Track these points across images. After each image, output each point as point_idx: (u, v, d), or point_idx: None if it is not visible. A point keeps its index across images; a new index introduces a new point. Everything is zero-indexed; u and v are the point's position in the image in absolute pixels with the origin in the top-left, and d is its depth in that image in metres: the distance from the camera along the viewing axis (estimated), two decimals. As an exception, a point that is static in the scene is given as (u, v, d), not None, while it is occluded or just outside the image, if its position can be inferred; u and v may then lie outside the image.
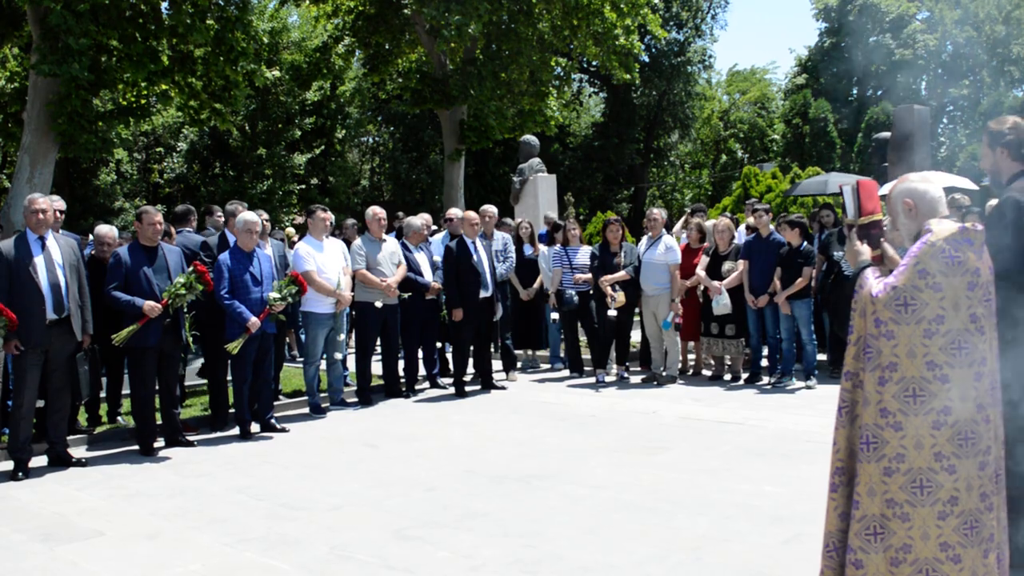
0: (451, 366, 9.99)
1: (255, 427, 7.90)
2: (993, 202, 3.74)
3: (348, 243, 9.73)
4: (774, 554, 4.50)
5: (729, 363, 10.06)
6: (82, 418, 7.97)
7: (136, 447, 7.30)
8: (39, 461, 6.82)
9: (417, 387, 9.80)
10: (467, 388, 9.57)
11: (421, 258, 9.60)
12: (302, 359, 9.60)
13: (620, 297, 9.75)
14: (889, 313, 3.07)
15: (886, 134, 14.86)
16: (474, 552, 4.66)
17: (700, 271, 9.82)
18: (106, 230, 8.19)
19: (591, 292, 10.06)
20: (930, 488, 3.03)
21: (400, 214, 13.34)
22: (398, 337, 9.52)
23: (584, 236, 11.53)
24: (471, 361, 9.89)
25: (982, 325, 3.07)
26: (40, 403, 6.87)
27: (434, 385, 9.97)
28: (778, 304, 9.30)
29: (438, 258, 9.80)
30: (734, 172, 35.76)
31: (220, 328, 7.72)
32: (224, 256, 7.74)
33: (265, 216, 8.78)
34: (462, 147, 20.05)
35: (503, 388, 9.83)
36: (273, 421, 7.98)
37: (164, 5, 14.28)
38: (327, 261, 8.73)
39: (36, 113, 13.32)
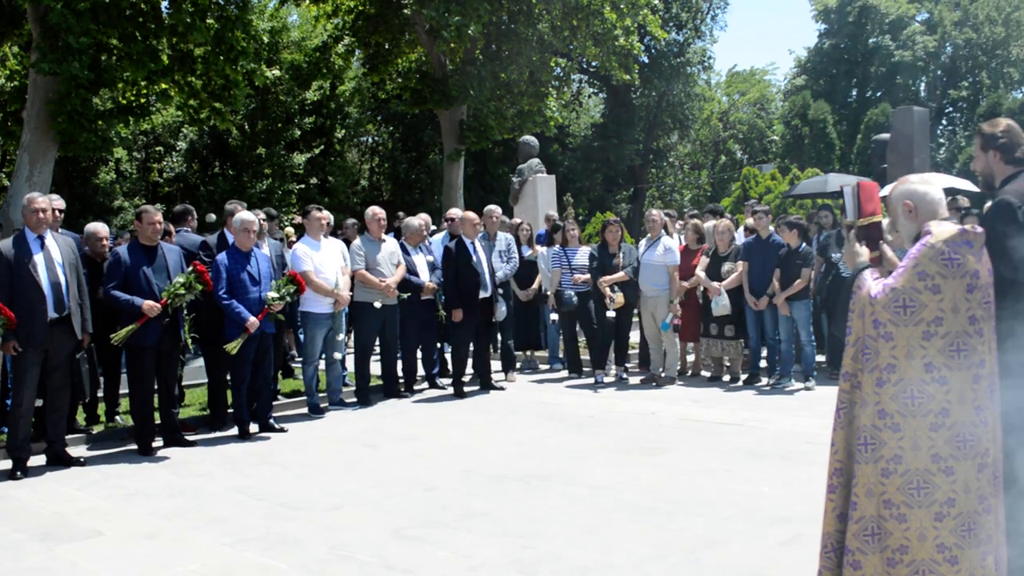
0: (450, 366, 9.99)
1: (254, 427, 7.91)
2: (988, 204, 3.74)
3: (348, 243, 9.72)
4: (773, 555, 4.51)
5: (728, 364, 10.07)
6: (80, 417, 7.97)
7: (135, 447, 7.30)
8: (38, 460, 6.82)
9: (416, 387, 9.80)
10: (466, 388, 9.57)
11: (419, 259, 9.59)
12: (300, 359, 9.60)
13: (619, 298, 9.75)
14: (888, 315, 3.08)
15: (885, 136, 14.89)
16: (473, 552, 4.67)
17: (700, 272, 9.83)
18: (98, 227, 8.19)
19: (590, 293, 10.06)
20: (927, 489, 3.03)
21: (400, 214, 13.34)
22: (397, 337, 9.52)
23: (583, 237, 11.53)
24: (470, 361, 9.89)
25: (981, 328, 3.08)
26: (39, 402, 6.87)
27: (433, 385, 9.97)
28: (777, 305, 9.30)
29: (432, 258, 9.78)
30: (733, 173, 35.79)
31: (219, 328, 7.72)
32: (222, 256, 7.74)
33: (263, 216, 8.78)
34: (461, 147, 20.05)
35: (502, 388, 9.83)
36: (272, 421, 7.98)
37: (164, 4, 14.28)
38: (325, 261, 8.73)
39: (36, 112, 13.31)
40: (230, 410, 8.06)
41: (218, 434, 7.95)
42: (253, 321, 7.55)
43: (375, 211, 9.38)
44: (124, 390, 7.92)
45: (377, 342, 9.48)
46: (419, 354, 9.88)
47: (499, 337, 10.58)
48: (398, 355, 9.70)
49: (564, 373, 10.78)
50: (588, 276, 10.07)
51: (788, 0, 66.05)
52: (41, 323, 6.52)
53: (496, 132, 19.71)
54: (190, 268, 7.24)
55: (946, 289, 3.04)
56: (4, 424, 7.58)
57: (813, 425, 7.28)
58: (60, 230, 7.44)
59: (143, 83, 14.62)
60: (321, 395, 9.02)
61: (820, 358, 10.14)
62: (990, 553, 3.06)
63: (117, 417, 8.16)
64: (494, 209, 10.47)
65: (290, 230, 13.13)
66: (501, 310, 9.85)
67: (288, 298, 7.89)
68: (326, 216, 9.12)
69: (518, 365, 10.94)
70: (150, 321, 7.02)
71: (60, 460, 6.84)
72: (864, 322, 3.16)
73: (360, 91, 31.12)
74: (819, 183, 14.73)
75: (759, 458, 6.48)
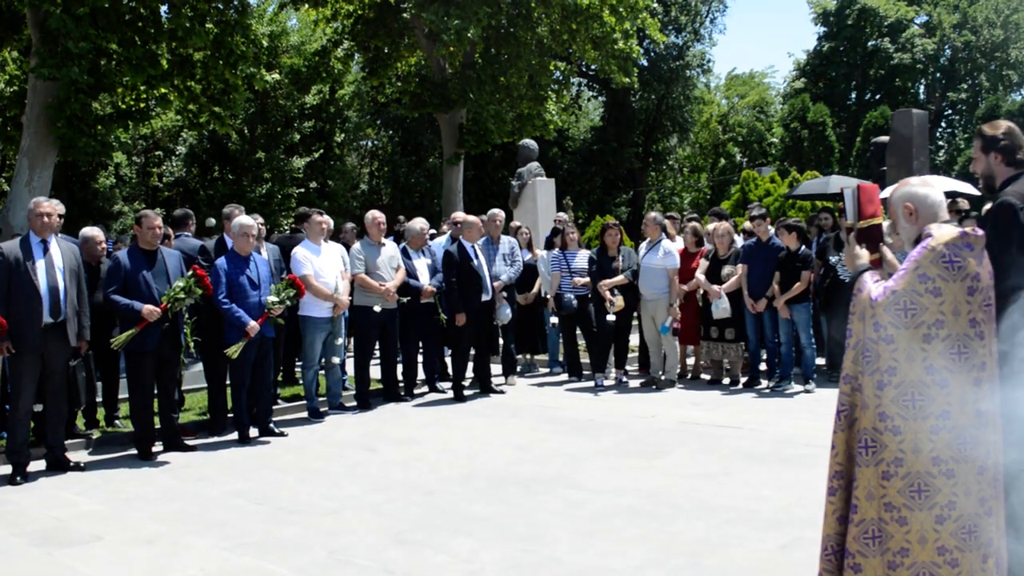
0: (450, 370, 9.99)
1: (254, 431, 7.90)
2: (989, 206, 3.74)
3: (347, 247, 9.71)
4: (773, 558, 4.50)
5: (728, 367, 10.07)
6: (80, 422, 7.96)
7: (134, 451, 7.29)
8: (37, 465, 6.81)
9: (416, 391, 9.80)
10: (466, 392, 9.57)
11: (420, 263, 9.58)
12: (300, 363, 9.59)
13: (619, 301, 9.75)
14: (888, 317, 3.07)
15: (884, 138, 14.87)
16: (473, 556, 4.66)
17: (700, 275, 9.82)
18: (95, 231, 8.20)
19: (589, 296, 10.06)
20: (928, 492, 3.02)
21: (400, 218, 13.34)
22: (397, 341, 9.52)
23: (583, 240, 11.52)
24: (470, 365, 9.88)
25: (982, 330, 3.07)
26: (38, 407, 6.87)
27: (433, 389, 9.97)
28: (777, 308, 9.30)
29: (430, 261, 9.76)
30: (733, 176, 35.80)
31: (219, 332, 7.72)
32: (221, 261, 7.74)
33: (260, 220, 8.79)
34: (461, 151, 20.08)
35: (502, 392, 9.83)
36: (272, 425, 7.97)
37: (163, 9, 14.30)
38: (325, 265, 8.72)
39: (35, 116, 13.33)
40: (230, 414, 8.06)
41: (218, 438, 7.94)
42: (253, 325, 7.55)
43: (375, 215, 9.38)
44: (123, 394, 7.92)
45: (377, 346, 9.48)
46: (420, 358, 9.88)
47: (500, 341, 10.57)
48: (398, 359, 9.70)
49: (564, 376, 10.77)
50: (587, 279, 10.06)
51: (787, 3, 66.25)
52: (36, 328, 6.52)
53: (495, 136, 19.74)
54: (190, 272, 7.24)
55: (947, 292, 3.04)
56: (3, 429, 7.58)
57: (813, 428, 7.28)
58: (60, 235, 7.43)
59: (142, 87, 14.64)
60: (321, 399, 9.01)
61: (820, 361, 10.14)
62: (991, 556, 3.05)
63: (117, 422, 8.15)
64: (497, 213, 10.45)
65: (290, 234, 13.13)
66: (505, 313, 9.83)
67: (288, 302, 7.89)
68: (326, 220, 9.12)
69: (518, 368, 10.93)
70: (150, 326, 7.02)
71: (59, 465, 6.83)
72: (865, 325, 3.16)
73: (359, 95, 31.16)
74: (820, 184, 14.72)
75: (759, 461, 6.48)
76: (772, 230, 9.74)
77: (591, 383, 10.04)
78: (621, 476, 6.18)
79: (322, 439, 7.85)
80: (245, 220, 7.91)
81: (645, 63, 32.44)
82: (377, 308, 9.01)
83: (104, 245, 8.25)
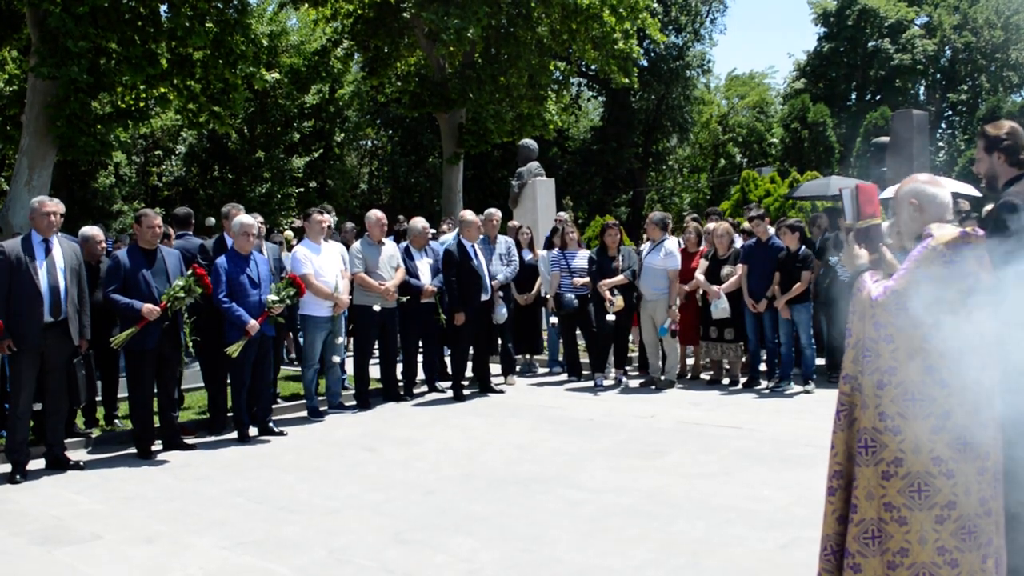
0: (449, 369, 9.98)
1: (253, 430, 7.90)
2: (990, 207, 3.74)
3: (347, 246, 9.71)
4: (772, 558, 4.50)
5: (728, 367, 10.06)
6: (79, 421, 7.96)
7: (134, 450, 7.29)
8: (37, 464, 6.81)
9: (415, 390, 9.79)
10: (465, 392, 9.56)
11: (422, 263, 9.56)
12: (300, 363, 9.59)
13: (619, 301, 9.74)
14: (888, 316, 3.07)
15: (884, 139, 14.88)
16: (472, 556, 4.66)
17: (699, 275, 9.82)
18: (94, 230, 8.19)
19: (589, 296, 10.06)
20: (928, 492, 3.02)
21: (400, 218, 13.35)
22: (396, 340, 9.52)
23: (582, 240, 11.52)
24: (469, 365, 9.88)
25: (982, 330, 3.07)
26: (37, 406, 6.86)
27: (432, 388, 9.96)
28: (777, 308, 9.30)
29: (431, 261, 9.76)
30: (733, 176, 35.80)
31: (219, 331, 7.72)
32: (221, 260, 7.74)
33: (260, 219, 8.78)
34: (461, 151, 20.08)
35: (501, 392, 9.82)
36: (271, 424, 7.97)
37: (163, 8, 14.30)
38: (325, 264, 8.72)
39: (35, 116, 13.33)
40: (229, 413, 8.05)
41: (217, 437, 7.94)
42: (253, 324, 7.55)
43: (377, 215, 9.37)
44: (123, 393, 7.92)
45: (376, 345, 9.47)
46: (419, 357, 9.88)
47: (499, 340, 10.56)
48: (398, 358, 9.69)
49: (563, 376, 10.76)
50: (587, 279, 10.06)
51: (787, 4, 66.25)
52: (36, 326, 6.52)
53: (495, 135, 19.74)
54: (189, 271, 7.24)
55: (947, 292, 3.04)
56: (2, 427, 7.58)
57: (813, 428, 7.27)
58: (60, 234, 7.43)
59: (142, 87, 14.64)
60: (320, 398, 9.01)
61: (820, 361, 10.14)
62: (990, 556, 3.05)
63: (116, 421, 8.15)
64: (494, 212, 10.44)
65: (289, 233, 13.14)
66: (501, 312, 9.84)
67: (288, 301, 7.89)
68: (327, 219, 9.11)
69: (517, 368, 10.93)
70: (149, 325, 7.02)
71: (59, 464, 6.83)
72: (864, 324, 3.16)
73: (359, 95, 31.17)
74: (821, 185, 14.71)
75: (759, 461, 6.47)
76: (772, 230, 9.74)
77: (591, 383, 10.04)
78: (621, 476, 6.18)
79: (322, 438, 7.85)
80: (246, 219, 7.91)
81: (645, 63, 32.45)
82: (377, 307, 9.01)
83: (104, 244, 8.25)
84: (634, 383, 10.13)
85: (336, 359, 9.02)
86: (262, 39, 17.50)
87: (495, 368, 10.36)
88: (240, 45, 14.67)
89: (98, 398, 8.07)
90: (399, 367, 9.72)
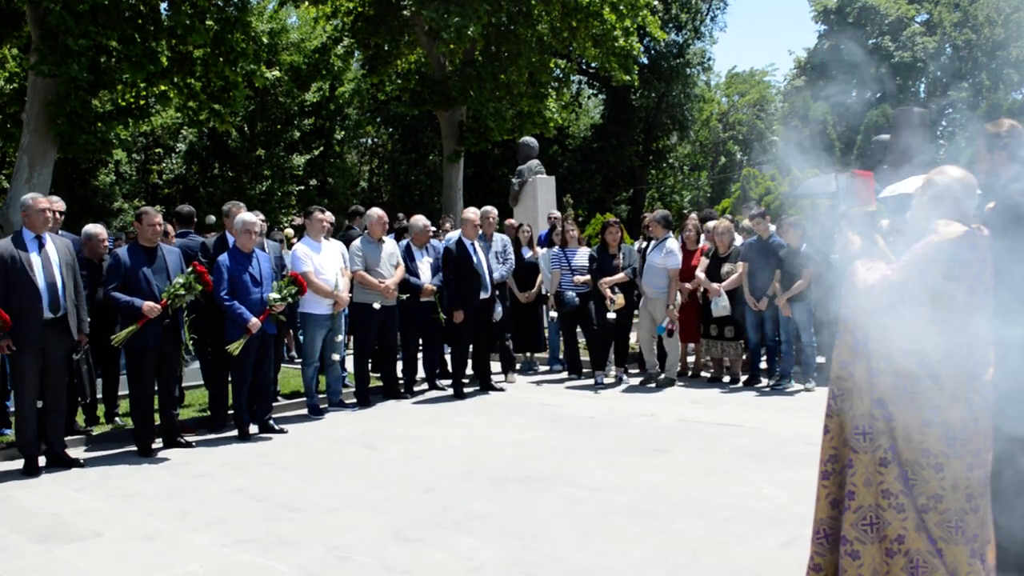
0: (449, 367, 9.98)
1: (253, 428, 7.90)
2: (992, 205, 3.74)
3: (348, 243, 9.70)
4: (772, 557, 4.50)
5: (728, 365, 10.06)
6: (80, 419, 7.97)
7: (134, 448, 7.29)
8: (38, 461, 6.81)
9: (415, 388, 9.79)
10: (465, 390, 9.56)
11: (423, 262, 9.55)
12: (300, 360, 9.59)
13: (619, 299, 9.74)
14: (884, 305, 3.08)
15: (885, 136, 14.89)
16: (473, 554, 4.66)
17: (700, 273, 9.82)
18: (97, 228, 8.19)
19: (590, 294, 10.05)
20: (915, 482, 3.04)
21: (400, 215, 13.35)
22: (396, 338, 9.51)
23: (583, 238, 11.52)
24: (469, 362, 9.88)
25: (979, 329, 3.07)
26: (39, 403, 6.87)
27: (432, 386, 9.96)
28: (778, 306, 9.29)
29: (431, 259, 9.75)
30: (733, 174, 35.78)
31: (220, 329, 7.72)
32: (223, 257, 7.74)
33: (262, 217, 8.78)
34: (461, 148, 20.06)
35: (501, 390, 9.83)
36: (272, 422, 7.97)
37: (163, 6, 14.30)
38: (325, 262, 8.72)
39: (35, 114, 13.32)
40: (230, 411, 8.06)
41: (218, 435, 7.94)
42: (255, 322, 7.55)
43: (379, 213, 9.37)
44: (123, 391, 7.92)
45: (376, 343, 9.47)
46: (419, 355, 9.87)
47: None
48: (398, 356, 9.69)
49: (564, 374, 10.77)
50: (588, 277, 10.06)
51: (787, 1, 66.16)
52: (36, 323, 6.52)
53: (496, 133, 19.73)
54: (190, 269, 7.24)
55: (946, 288, 3.04)
56: (5, 426, 7.59)
57: (813, 426, 7.19)
58: (60, 232, 7.44)
59: (142, 85, 14.64)
60: (321, 396, 9.02)
61: (820, 359, 10.13)
62: (976, 552, 3.06)
63: (116, 418, 8.15)
64: (490, 210, 10.45)
65: (290, 231, 13.13)
66: (497, 310, 9.84)
67: (290, 299, 7.89)
68: (327, 217, 9.11)
69: (518, 366, 10.93)
70: (150, 322, 7.02)
71: (59, 461, 6.83)
72: (859, 311, 3.17)
73: (359, 92, 31.15)
74: (823, 183, 14.68)
75: (759, 459, 6.47)
76: (772, 228, 9.73)
77: (591, 381, 10.04)
78: (621, 474, 6.18)
79: (322, 436, 7.85)
80: (248, 217, 7.91)
81: (645, 61, 32.40)
82: (377, 305, 9.01)
83: (107, 242, 8.25)
84: (634, 381, 10.12)
85: (336, 357, 9.03)
86: (262, 37, 17.52)
87: (495, 366, 10.36)
88: (240, 43, 14.66)
89: (98, 396, 8.09)
90: (399, 365, 9.72)
